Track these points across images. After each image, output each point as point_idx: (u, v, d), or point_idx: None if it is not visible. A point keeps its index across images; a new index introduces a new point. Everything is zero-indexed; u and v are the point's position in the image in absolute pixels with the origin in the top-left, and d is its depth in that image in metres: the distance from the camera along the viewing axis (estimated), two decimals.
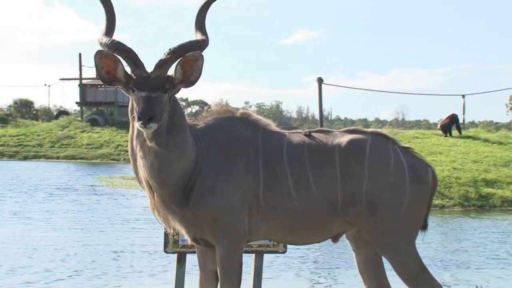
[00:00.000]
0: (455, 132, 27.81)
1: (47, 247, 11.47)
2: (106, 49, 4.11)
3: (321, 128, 4.74)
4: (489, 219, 16.34)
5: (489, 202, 18.48)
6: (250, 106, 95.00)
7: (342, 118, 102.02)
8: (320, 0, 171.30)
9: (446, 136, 27.87)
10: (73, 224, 14.51)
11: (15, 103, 63.37)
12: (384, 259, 4.73)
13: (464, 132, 28.53)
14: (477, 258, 11.23)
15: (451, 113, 28.83)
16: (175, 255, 7.84)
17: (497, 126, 53.02)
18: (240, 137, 4.41)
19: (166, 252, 7.70)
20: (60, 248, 11.52)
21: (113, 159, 39.12)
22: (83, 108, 52.72)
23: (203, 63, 4.12)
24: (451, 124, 28.88)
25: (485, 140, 25.93)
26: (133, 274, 9.73)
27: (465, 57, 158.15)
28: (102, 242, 12.24)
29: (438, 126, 30.41)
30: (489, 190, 19.04)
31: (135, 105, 4.06)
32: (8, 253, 10.89)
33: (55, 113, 57.79)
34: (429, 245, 11.58)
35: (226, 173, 4.29)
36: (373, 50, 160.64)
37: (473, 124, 39.78)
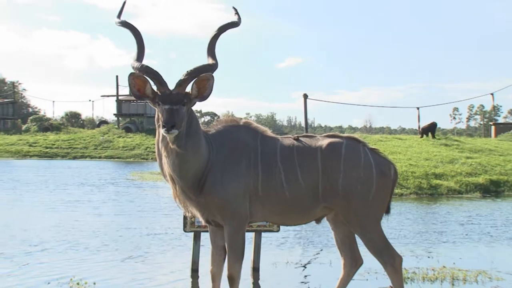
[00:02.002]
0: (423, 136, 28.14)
1: (100, 230, 11.49)
2: (137, 71, 4.12)
3: (306, 134, 4.74)
4: (437, 205, 16.36)
5: (438, 191, 18.53)
6: (251, 116, 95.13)
7: (323, 125, 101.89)
8: (307, 34, 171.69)
9: (423, 136, 28.11)
10: (115, 211, 14.50)
11: (66, 115, 63.35)
12: (356, 236, 4.72)
13: (416, 137, 28.62)
14: (428, 235, 11.23)
15: (431, 121, 29.22)
16: (192, 233, 7.85)
17: (443, 132, 53.05)
18: (243, 141, 4.40)
19: (185, 231, 7.72)
20: (109, 230, 11.54)
21: (143, 158, 39.14)
22: (119, 118, 52.77)
23: (213, 82, 4.12)
24: (430, 129, 29.15)
25: (434, 142, 25.99)
26: (160, 249, 9.73)
27: (418, 78, 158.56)
28: (137, 225, 12.26)
29: (419, 130, 30.61)
30: (438, 181, 19.08)
31: (160, 115, 4.06)
32: (73, 235, 10.93)
33: (97, 123, 57.82)
34: (391, 224, 11.59)
35: (232, 170, 4.29)
36: (347, 72, 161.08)
37: None
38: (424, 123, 30.55)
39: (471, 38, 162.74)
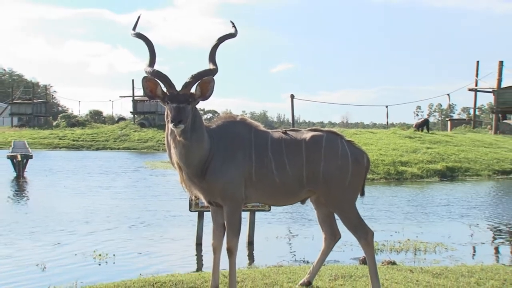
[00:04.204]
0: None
1: (120, 211, 11.47)
2: (150, 75, 4.07)
3: (293, 128, 4.71)
4: (403, 187, 16.41)
5: (403, 176, 18.59)
6: (246, 114, 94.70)
7: (307, 121, 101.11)
8: (296, 44, 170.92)
9: (418, 130, 28.30)
10: (133, 195, 14.47)
11: (90, 112, 62.83)
12: (335, 214, 4.70)
13: (385, 131, 28.66)
14: (395, 214, 11.27)
15: (424, 118, 29.55)
16: (196, 213, 7.84)
17: (408, 126, 52.93)
18: (240, 134, 4.37)
19: (190, 211, 7.70)
20: (127, 211, 11.51)
21: (155, 149, 38.92)
22: (135, 115, 52.47)
23: (214, 84, 4.08)
24: (423, 125, 29.39)
25: (400, 135, 26.04)
26: (170, 226, 9.73)
27: (387, 81, 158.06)
28: (150, 207, 12.24)
29: (414, 125, 30.67)
30: (403, 168, 19.14)
31: (169, 112, 4.02)
32: (97, 215, 10.90)
33: (116, 119, 57.40)
34: (365, 205, 11.62)
35: (230, 159, 4.25)
36: (328, 76, 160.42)
37: (392, 125, 39.85)
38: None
39: (432, 49, 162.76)
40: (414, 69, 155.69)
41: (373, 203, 12.56)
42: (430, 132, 28.58)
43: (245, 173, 4.27)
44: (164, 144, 4.49)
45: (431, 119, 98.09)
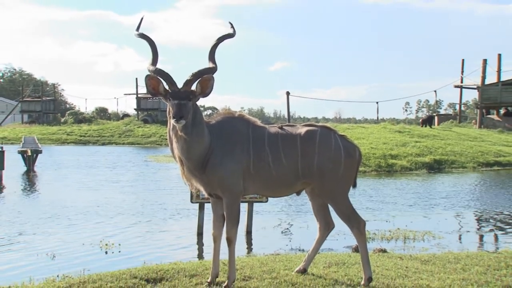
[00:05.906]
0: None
1: (124, 203, 11.43)
2: (152, 74, 4.05)
3: (288, 123, 4.69)
4: (393, 179, 16.43)
5: (393, 169, 18.63)
6: (244, 110, 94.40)
7: (302, 117, 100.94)
8: (292, 43, 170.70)
9: (424, 126, 28.35)
10: (138, 187, 14.44)
11: (96, 109, 62.51)
12: (329, 205, 4.70)
13: (376, 126, 28.67)
14: (385, 204, 11.28)
15: (429, 114, 29.75)
16: (197, 204, 7.83)
17: (397, 121, 52.92)
18: (238, 129, 4.35)
19: (192, 202, 7.69)
20: (131, 203, 11.49)
21: (158, 144, 38.87)
22: (139, 112, 52.31)
23: (214, 82, 4.06)
24: (428, 120, 29.49)
25: (390, 130, 26.05)
26: (172, 217, 9.72)
27: (378, 78, 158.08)
28: (154, 198, 12.22)
29: (420, 120, 30.71)
30: (393, 161, 19.17)
31: (171, 109, 3.99)
32: (104, 207, 10.85)
33: (121, 116, 57.17)
34: (356, 195, 11.63)
35: (229, 153, 4.23)
36: (321, 74, 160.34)
37: (382, 120, 39.90)
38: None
39: (419, 48, 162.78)
40: (403, 67, 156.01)
41: (364, 195, 12.58)
42: (433, 127, 28.57)
43: (243, 167, 4.25)
44: (166, 139, 4.47)
45: (420, 114, 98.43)
